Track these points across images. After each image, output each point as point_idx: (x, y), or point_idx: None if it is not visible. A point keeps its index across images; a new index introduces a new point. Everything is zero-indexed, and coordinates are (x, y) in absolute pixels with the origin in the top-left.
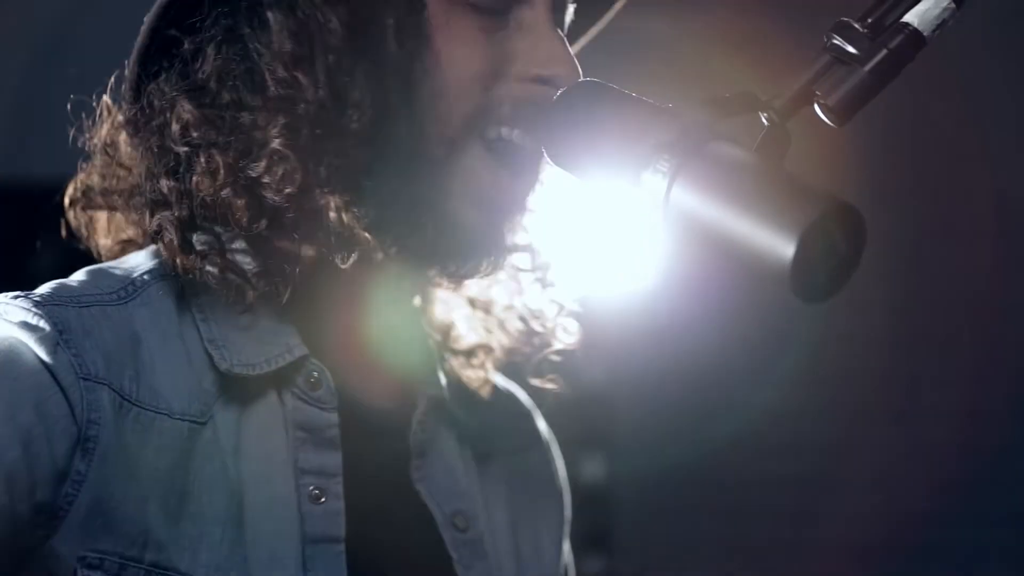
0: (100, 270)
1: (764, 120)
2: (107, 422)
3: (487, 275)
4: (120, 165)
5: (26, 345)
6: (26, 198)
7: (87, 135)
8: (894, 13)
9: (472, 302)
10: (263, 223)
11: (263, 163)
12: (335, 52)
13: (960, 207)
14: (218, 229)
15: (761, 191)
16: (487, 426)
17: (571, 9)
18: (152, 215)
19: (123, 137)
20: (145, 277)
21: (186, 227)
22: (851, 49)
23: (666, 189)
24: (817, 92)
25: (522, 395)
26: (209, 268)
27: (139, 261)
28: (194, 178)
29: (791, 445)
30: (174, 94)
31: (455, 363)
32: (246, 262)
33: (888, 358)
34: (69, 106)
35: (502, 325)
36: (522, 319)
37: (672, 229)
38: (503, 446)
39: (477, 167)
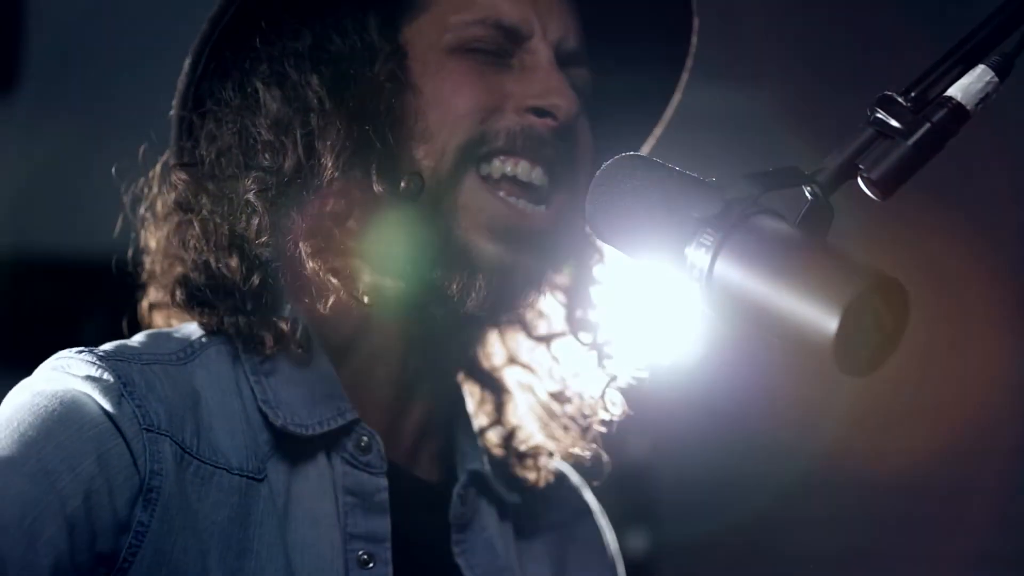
0: (159, 333)
1: (808, 194)
2: (169, 473)
3: (522, 309)
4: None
5: (89, 396)
6: (67, 271)
7: (142, 225)
8: (937, 87)
9: (540, 402)
10: (256, 277)
11: (243, 218)
12: (315, 112)
13: (1006, 285)
14: (226, 287)
15: (804, 265)
16: (532, 501)
17: (581, 72)
18: (170, 277)
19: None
20: (203, 340)
21: (192, 287)
22: (894, 123)
23: (709, 263)
24: (860, 166)
25: (570, 471)
26: (228, 324)
27: (196, 327)
28: (191, 242)
29: (834, 518)
30: (175, 166)
31: (515, 463)
32: (259, 318)
33: (932, 433)
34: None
35: (566, 427)
36: (583, 415)
37: (715, 303)
38: (550, 520)
39: (480, 198)
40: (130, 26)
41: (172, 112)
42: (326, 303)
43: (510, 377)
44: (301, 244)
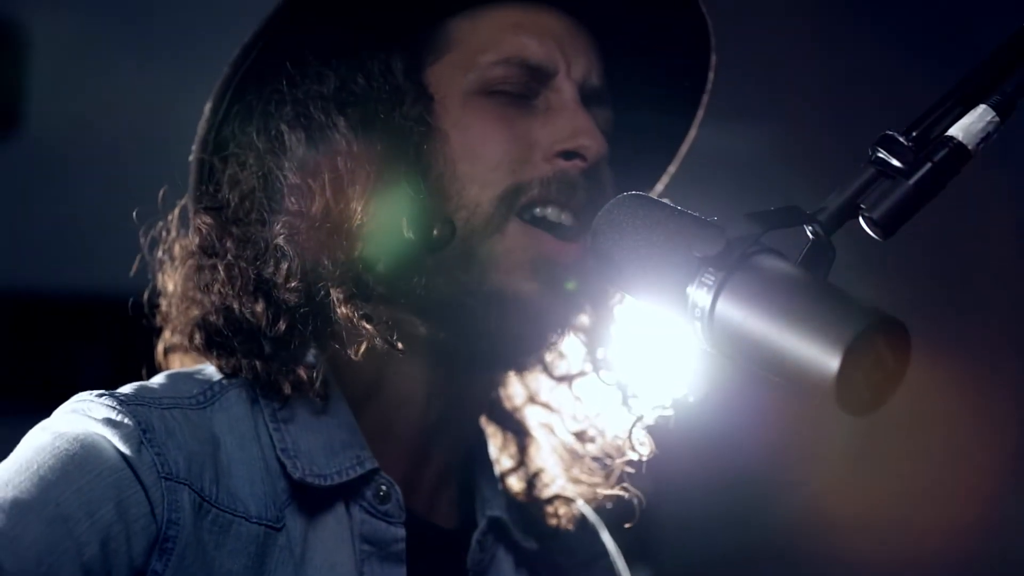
0: (179, 375)
1: (809, 233)
2: (186, 523)
3: (551, 349)
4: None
5: (108, 441)
6: (68, 310)
7: (159, 269)
8: (939, 127)
9: (563, 442)
10: (283, 323)
11: (271, 263)
12: (341, 154)
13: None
14: (248, 332)
15: (806, 305)
16: (549, 546)
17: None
18: (186, 319)
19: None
20: (223, 382)
21: (212, 331)
22: (896, 163)
23: (711, 303)
24: (862, 205)
25: (588, 512)
26: (247, 369)
27: (215, 368)
28: (216, 287)
29: (834, 557)
30: (197, 210)
31: (537, 509)
32: (279, 364)
33: (931, 471)
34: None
35: (590, 469)
36: (608, 455)
37: (717, 342)
38: (566, 563)
39: (520, 242)
40: (133, 66)
41: (192, 156)
42: (357, 350)
43: (532, 418)
44: (332, 290)
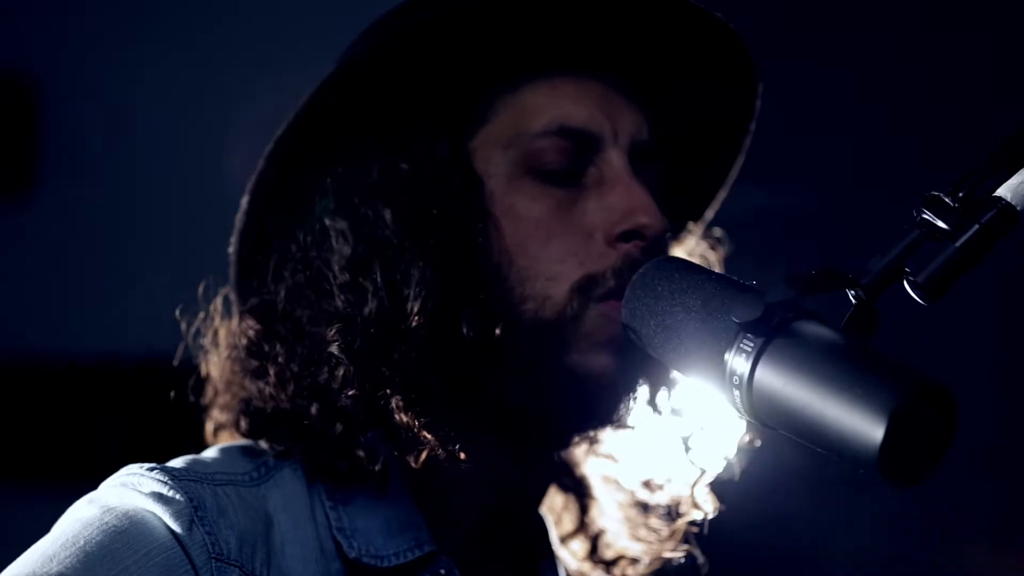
0: (233, 449)
1: (852, 298)
2: None
3: (622, 423)
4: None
5: (159, 518)
6: (81, 377)
7: (203, 358)
8: (986, 187)
9: (626, 496)
10: (339, 426)
11: (325, 369)
12: (392, 249)
13: None
14: (302, 428)
15: (848, 372)
16: None
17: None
18: (233, 403)
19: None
20: (278, 458)
21: (260, 418)
22: (941, 224)
23: (750, 370)
24: (907, 268)
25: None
26: (299, 453)
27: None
28: (267, 389)
29: None
30: (243, 311)
31: (599, 574)
32: (337, 447)
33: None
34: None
35: (655, 529)
36: (672, 512)
37: (756, 411)
38: None
39: (599, 323)
40: (148, 128)
41: (231, 249)
42: (418, 458)
43: (592, 471)
44: (393, 398)
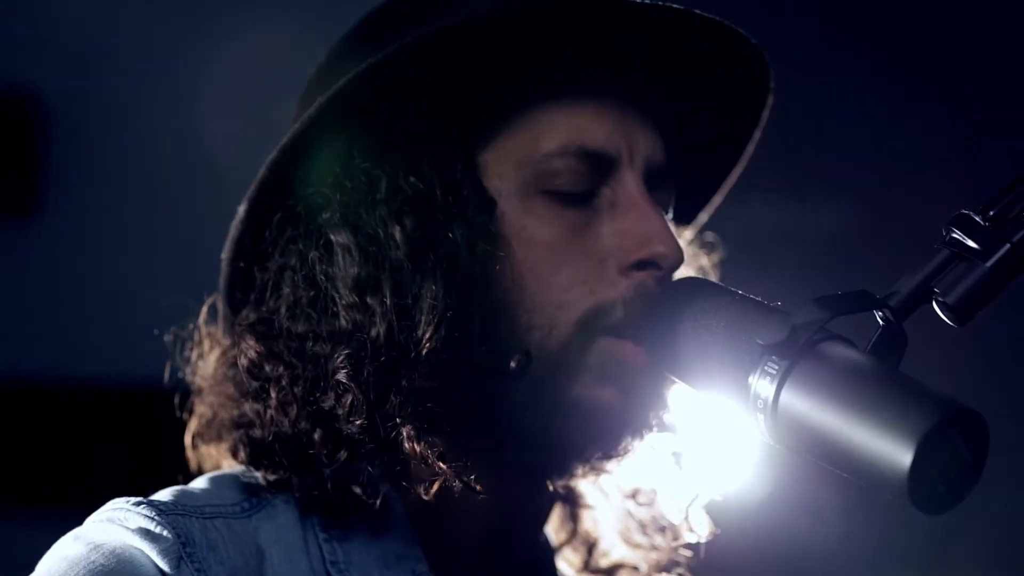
0: (223, 479)
1: (879, 319)
2: None
3: (627, 455)
4: (229, 398)
5: (146, 556)
6: (89, 401)
7: (189, 368)
8: (1018, 205)
9: (620, 505)
10: (343, 454)
11: (331, 395)
12: (401, 270)
13: None
14: (302, 455)
15: (875, 396)
16: None
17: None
18: (234, 435)
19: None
20: (270, 488)
21: (260, 448)
22: (972, 243)
23: (774, 393)
24: (936, 289)
25: None
26: (295, 485)
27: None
28: (269, 412)
29: None
30: (242, 328)
31: None
32: (335, 481)
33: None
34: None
35: (652, 537)
36: (666, 535)
37: (780, 435)
38: None
39: (603, 356)
40: (149, 150)
41: (224, 255)
42: (429, 489)
43: (585, 482)
44: (404, 428)
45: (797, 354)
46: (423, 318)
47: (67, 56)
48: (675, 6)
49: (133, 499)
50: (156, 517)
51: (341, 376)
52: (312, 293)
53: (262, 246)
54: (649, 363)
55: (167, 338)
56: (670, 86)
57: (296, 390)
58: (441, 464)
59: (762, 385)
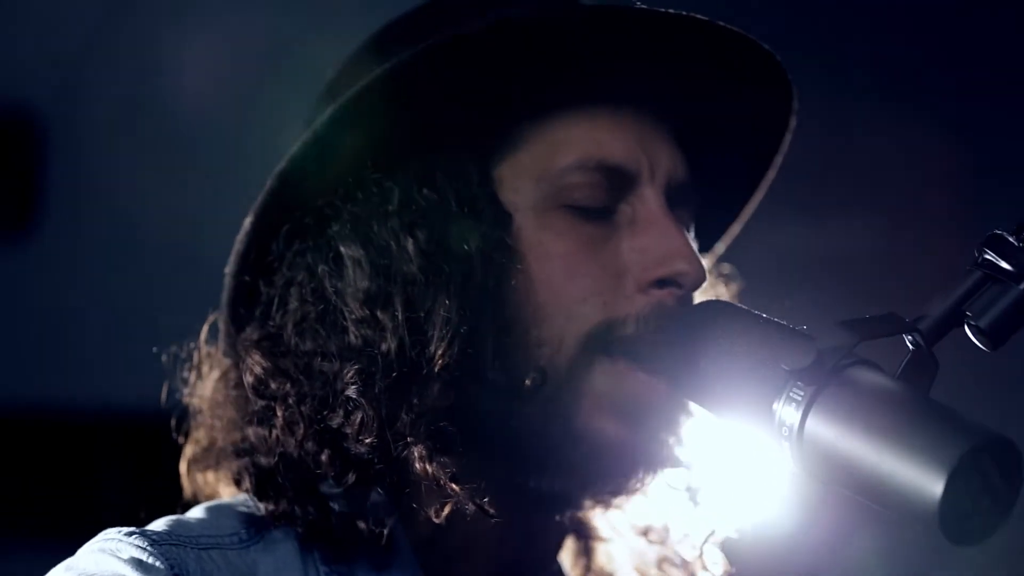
0: (220, 508)
1: (909, 343)
2: None
3: (639, 491)
4: (229, 422)
5: None
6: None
7: (188, 389)
8: None
9: (633, 542)
10: (351, 476)
11: (340, 413)
12: (414, 284)
13: None
14: (307, 479)
15: (905, 423)
16: None
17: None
18: (237, 462)
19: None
20: (267, 518)
21: (265, 476)
22: (1005, 265)
23: (800, 420)
24: (968, 313)
25: None
26: (299, 517)
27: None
28: (275, 432)
29: None
30: (247, 345)
31: None
32: (340, 512)
33: None
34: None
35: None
36: (684, 564)
37: (806, 463)
38: None
39: (607, 381)
40: (149, 165)
41: (228, 269)
42: (440, 511)
43: (599, 519)
44: (415, 447)
45: (824, 380)
46: (436, 333)
47: (66, 73)
48: (699, 16)
49: (126, 529)
50: (148, 548)
51: (351, 392)
52: (321, 307)
53: (268, 259)
54: (666, 397)
55: (164, 359)
56: (691, 101)
57: (303, 408)
58: (453, 486)
59: (787, 412)
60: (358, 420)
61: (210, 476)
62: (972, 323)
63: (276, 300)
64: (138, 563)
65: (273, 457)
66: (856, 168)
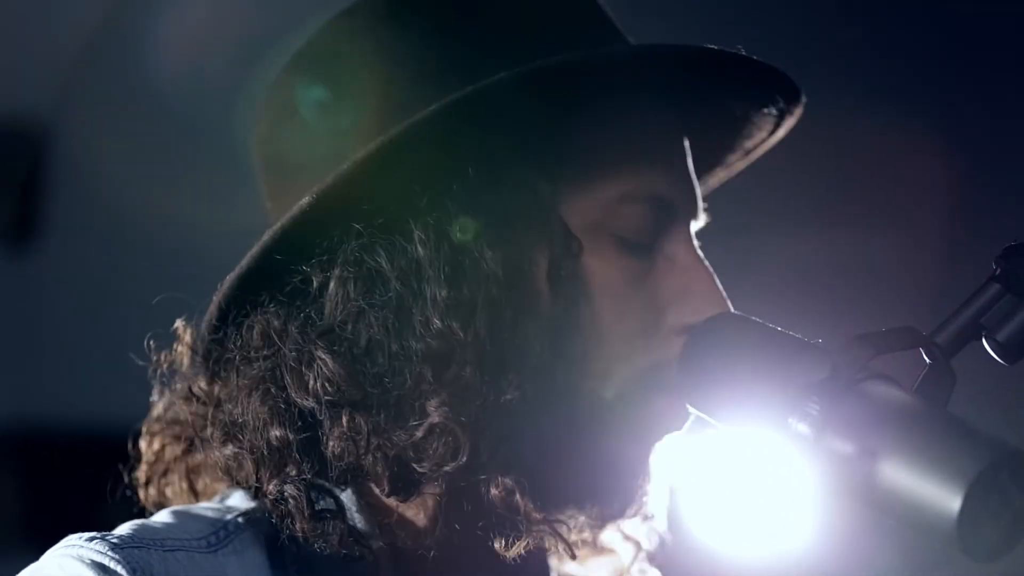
0: (187, 511)
1: (926, 357)
2: None
3: (635, 510)
4: (202, 403)
5: None
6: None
7: (160, 364)
8: None
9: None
10: (403, 495)
11: (420, 434)
12: (495, 302)
13: None
14: (342, 493)
15: (922, 437)
16: None
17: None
18: (264, 470)
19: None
20: (239, 520)
21: (311, 490)
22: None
23: (815, 435)
24: (985, 326)
25: None
26: (329, 535)
27: (234, 503)
28: (330, 441)
29: None
30: (302, 339)
31: None
32: (369, 531)
33: None
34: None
35: None
36: None
37: (822, 479)
38: None
39: (648, 413)
40: (153, 174)
41: (257, 247)
42: (512, 542)
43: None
44: (504, 478)
45: (840, 394)
46: (513, 359)
47: (68, 84)
48: (775, 66)
49: (87, 534)
50: (110, 552)
51: (438, 417)
52: (388, 309)
53: (318, 243)
54: (675, 415)
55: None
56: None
57: (370, 421)
58: (545, 528)
59: (802, 426)
60: (442, 446)
61: (174, 481)
62: (990, 336)
63: (325, 289)
64: (101, 568)
65: (313, 469)
66: (874, 179)
